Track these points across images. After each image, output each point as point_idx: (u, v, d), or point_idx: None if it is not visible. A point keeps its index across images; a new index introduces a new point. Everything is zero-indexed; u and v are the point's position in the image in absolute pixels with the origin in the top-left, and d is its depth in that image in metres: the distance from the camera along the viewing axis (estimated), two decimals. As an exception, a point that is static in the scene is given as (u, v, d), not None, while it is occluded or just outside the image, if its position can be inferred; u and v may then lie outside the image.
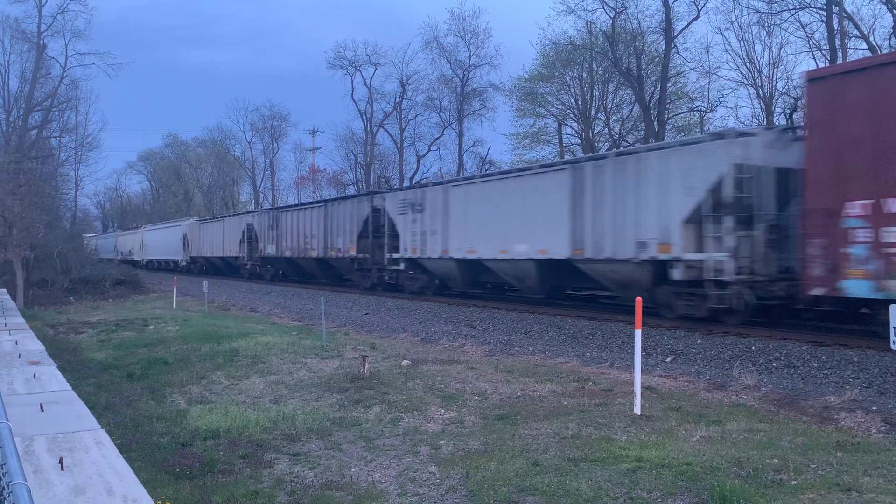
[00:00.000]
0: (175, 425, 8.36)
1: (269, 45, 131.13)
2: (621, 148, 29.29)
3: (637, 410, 7.98)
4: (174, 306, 24.64)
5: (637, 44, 33.83)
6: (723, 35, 48.30)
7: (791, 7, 29.22)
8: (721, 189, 12.89)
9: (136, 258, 56.20)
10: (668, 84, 33.34)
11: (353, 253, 26.12)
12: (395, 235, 23.31)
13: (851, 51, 28.90)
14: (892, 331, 7.59)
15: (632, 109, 37.69)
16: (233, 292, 30.36)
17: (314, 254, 29.36)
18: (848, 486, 5.41)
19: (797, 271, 12.01)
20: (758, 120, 32.30)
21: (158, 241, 51.48)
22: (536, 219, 17.07)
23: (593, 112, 39.25)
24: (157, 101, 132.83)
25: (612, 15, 33.38)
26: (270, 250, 34.54)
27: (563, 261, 16.47)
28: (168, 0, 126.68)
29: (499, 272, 19.19)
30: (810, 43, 30.23)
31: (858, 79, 10.94)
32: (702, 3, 31.62)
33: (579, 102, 39.48)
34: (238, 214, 34.59)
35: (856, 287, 10.72)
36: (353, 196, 29.76)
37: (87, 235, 79.14)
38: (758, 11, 30.88)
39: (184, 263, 46.03)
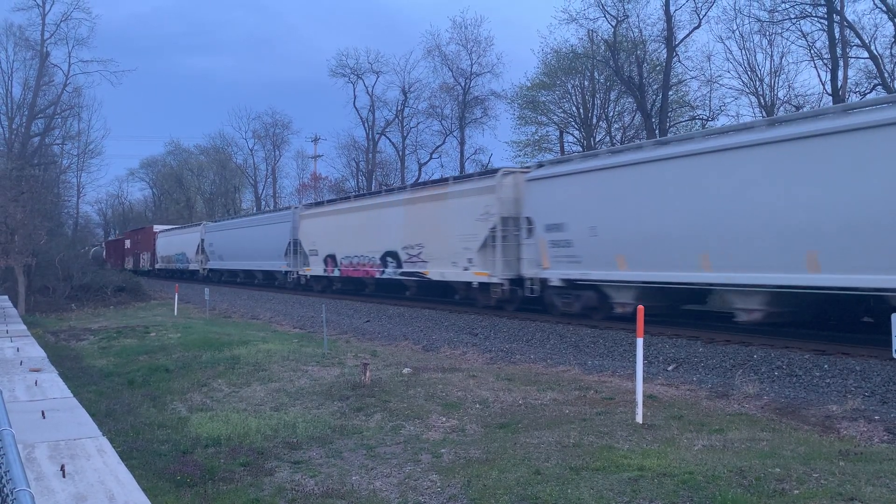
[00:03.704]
0: (176, 433, 8.34)
1: (271, 52, 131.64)
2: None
3: (639, 419, 7.96)
4: (175, 313, 24.63)
5: (638, 52, 33.94)
6: (724, 44, 48.21)
7: (792, 16, 29.33)
8: None
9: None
10: (670, 92, 33.43)
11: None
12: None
13: (853, 59, 28.99)
14: (894, 339, 7.57)
15: (633, 118, 37.79)
16: (234, 299, 30.36)
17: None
18: (850, 496, 5.39)
19: None
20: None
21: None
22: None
23: (595, 120, 39.35)
24: (159, 109, 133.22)
25: (613, 24, 33.54)
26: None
27: None
28: (170, 8, 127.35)
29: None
30: (812, 52, 30.33)
31: None
32: (703, 12, 31.77)
33: (581, 110, 39.60)
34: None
35: None
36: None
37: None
38: (759, 20, 31.02)
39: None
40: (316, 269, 28.19)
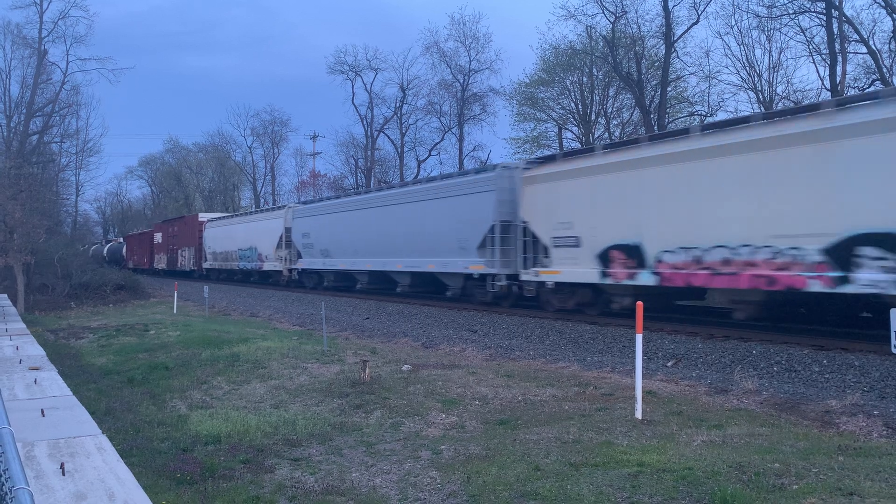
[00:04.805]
0: (176, 430, 8.35)
1: (269, 50, 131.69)
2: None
3: (638, 415, 7.97)
4: (175, 311, 24.63)
5: (637, 48, 33.87)
6: (723, 39, 48.31)
7: (791, 11, 29.30)
8: None
9: None
10: (669, 88, 33.38)
11: None
12: None
13: (851, 55, 28.99)
14: (892, 335, 7.57)
15: (632, 114, 37.76)
16: (234, 297, 30.35)
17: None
18: (850, 491, 5.40)
19: None
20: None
21: None
22: None
23: (593, 116, 39.30)
24: (158, 107, 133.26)
25: (612, 20, 33.44)
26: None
27: None
28: (169, 6, 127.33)
29: None
30: (810, 47, 30.32)
31: None
32: (702, 8, 31.69)
33: (579, 107, 39.55)
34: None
35: None
36: None
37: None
38: (758, 16, 30.97)
39: None
40: (573, 270, 15.60)
